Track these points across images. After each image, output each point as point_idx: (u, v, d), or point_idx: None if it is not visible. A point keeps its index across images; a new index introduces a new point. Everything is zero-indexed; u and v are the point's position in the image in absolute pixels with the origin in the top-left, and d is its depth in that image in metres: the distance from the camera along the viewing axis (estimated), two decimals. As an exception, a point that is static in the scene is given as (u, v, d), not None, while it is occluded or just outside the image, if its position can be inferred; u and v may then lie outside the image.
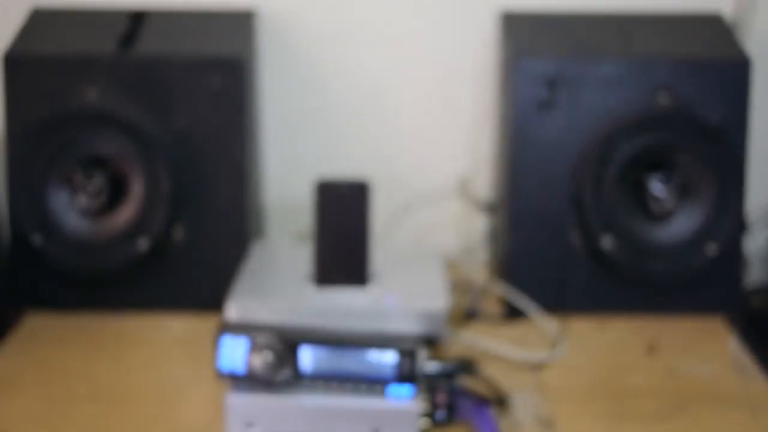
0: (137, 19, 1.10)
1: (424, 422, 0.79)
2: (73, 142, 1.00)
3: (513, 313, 1.06)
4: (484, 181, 1.25)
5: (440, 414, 0.80)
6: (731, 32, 1.11)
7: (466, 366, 0.85)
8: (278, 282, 0.91)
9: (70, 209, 1.02)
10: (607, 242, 1.02)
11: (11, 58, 1.03)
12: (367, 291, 0.89)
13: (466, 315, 1.04)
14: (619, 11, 1.14)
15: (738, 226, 1.03)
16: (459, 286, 1.12)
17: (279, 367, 0.77)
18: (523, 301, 1.04)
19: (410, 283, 0.91)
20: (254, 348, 0.78)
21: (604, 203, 1.02)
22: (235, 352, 0.78)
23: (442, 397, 0.80)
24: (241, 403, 0.79)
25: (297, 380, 0.79)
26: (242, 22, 1.13)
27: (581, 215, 1.04)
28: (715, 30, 1.11)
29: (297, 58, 1.19)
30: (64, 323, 1.03)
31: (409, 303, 0.86)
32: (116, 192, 1.02)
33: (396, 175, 1.24)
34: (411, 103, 1.22)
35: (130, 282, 1.05)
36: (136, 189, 1.01)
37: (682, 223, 1.03)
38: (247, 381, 0.79)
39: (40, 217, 1.01)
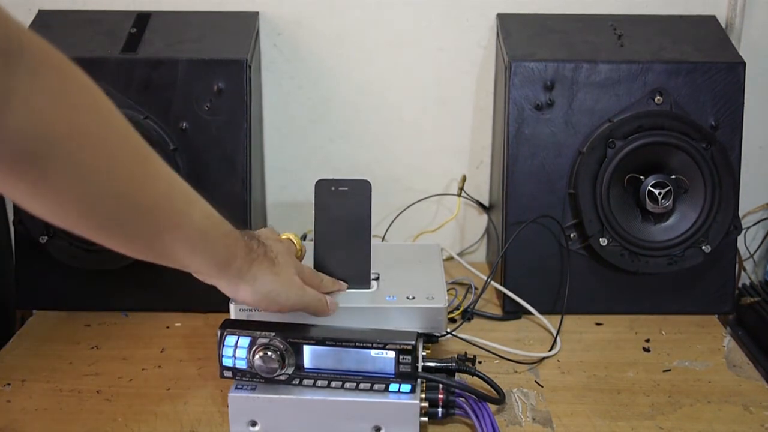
0: (141, 20, 1.11)
1: (424, 419, 0.80)
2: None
3: (511, 312, 1.07)
4: (483, 181, 1.26)
5: (439, 411, 0.81)
6: (725, 34, 1.12)
7: (465, 363, 0.86)
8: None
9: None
10: (603, 242, 1.03)
11: (16, 60, 1.04)
12: (368, 290, 0.90)
13: (465, 313, 1.05)
14: (615, 13, 1.15)
15: (732, 225, 1.04)
16: (458, 285, 1.13)
17: (281, 365, 0.78)
18: (520, 300, 1.05)
19: (410, 281, 0.91)
20: (256, 346, 0.79)
21: (600, 203, 1.03)
22: (237, 351, 0.79)
23: (441, 394, 0.81)
24: (243, 400, 0.79)
25: (298, 378, 0.80)
26: (245, 23, 1.14)
27: (577, 215, 1.05)
28: (710, 31, 1.12)
29: (298, 58, 1.20)
30: (69, 322, 1.04)
31: (409, 302, 0.87)
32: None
33: (396, 175, 1.25)
34: (411, 104, 1.23)
35: (135, 281, 1.05)
36: (140, 189, 1.02)
37: (676, 223, 1.04)
38: (250, 379, 0.80)
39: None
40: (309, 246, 0.91)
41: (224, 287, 0.75)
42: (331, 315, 0.84)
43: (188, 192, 0.67)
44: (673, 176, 1.02)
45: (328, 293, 0.85)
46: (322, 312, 0.82)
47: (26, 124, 0.51)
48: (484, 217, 1.28)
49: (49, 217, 0.58)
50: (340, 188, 0.90)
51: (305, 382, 0.80)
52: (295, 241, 0.86)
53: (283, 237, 0.86)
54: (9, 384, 0.90)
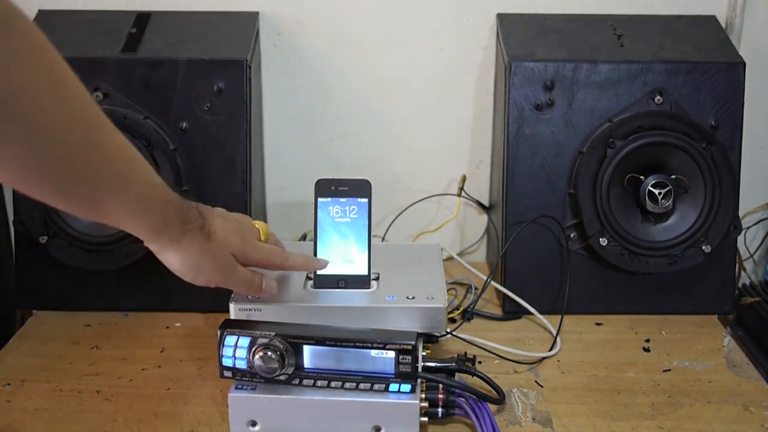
0: (141, 20, 1.11)
1: (424, 419, 0.80)
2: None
3: (511, 312, 1.07)
4: (483, 181, 1.26)
5: (439, 411, 0.81)
6: (725, 34, 1.12)
7: (465, 363, 0.86)
8: (280, 281, 0.92)
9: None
10: (603, 242, 1.03)
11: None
12: (368, 290, 0.90)
13: (465, 313, 1.05)
14: (615, 13, 1.15)
15: (732, 225, 1.04)
16: (458, 285, 1.13)
17: (281, 365, 0.78)
18: (520, 300, 1.05)
19: (410, 281, 0.91)
20: (256, 346, 0.79)
21: (600, 203, 1.03)
22: (237, 351, 0.79)
23: (441, 394, 0.81)
24: (243, 400, 0.80)
25: (298, 378, 0.80)
26: (245, 23, 1.14)
27: (577, 215, 1.05)
28: (710, 31, 1.12)
29: (298, 58, 1.20)
30: (69, 322, 1.04)
31: (409, 302, 0.87)
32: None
33: (396, 175, 1.25)
34: (410, 104, 1.23)
35: (135, 281, 1.06)
36: (140, 189, 1.02)
37: (676, 223, 1.04)
38: (250, 379, 0.80)
39: (45, 217, 1.02)
40: (309, 246, 0.91)
41: (156, 251, 0.76)
42: (266, 296, 0.85)
43: (135, 159, 0.69)
44: (673, 176, 1.02)
45: (306, 268, 0.90)
46: (254, 293, 0.85)
47: None
48: (484, 217, 1.28)
49: None
50: (340, 188, 0.90)
51: (305, 382, 0.80)
52: (261, 230, 0.87)
53: (255, 223, 0.87)
54: (9, 384, 0.90)
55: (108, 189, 0.66)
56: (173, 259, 0.76)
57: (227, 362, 0.80)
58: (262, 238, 0.86)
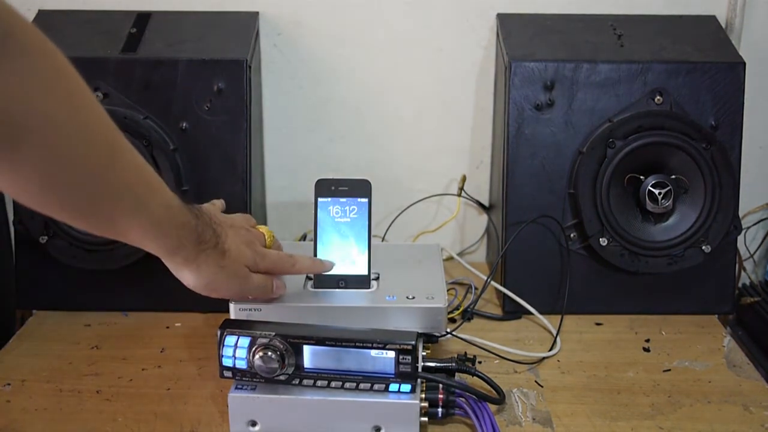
0: (141, 20, 1.11)
1: (424, 419, 0.80)
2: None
3: (511, 312, 1.07)
4: (483, 181, 1.26)
5: (439, 411, 0.81)
6: (725, 34, 1.12)
7: (465, 363, 0.86)
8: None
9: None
10: (603, 242, 1.03)
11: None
12: (368, 290, 0.90)
13: (465, 313, 1.05)
14: (615, 13, 1.15)
15: (732, 225, 1.04)
16: (458, 285, 1.13)
17: (281, 365, 0.78)
18: (520, 300, 1.05)
19: (410, 281, 0.91)
20: (256, 346, 0.78)
21: (600, 203, 1.03)
22: (237, 351, 0.79)
23: (441, 394, 0.81)
24: (243, 400, 0.79)
25: (298, 378, 0.80)
26: (245, 23, 1.13)
27: (577, 215, 1.05)
28: (710, 31, 1.12)
29: (298, 58, 1.20)
30: (69, 322, 1.04)
31: (409, 302, 0.87)
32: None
33: (396, 175, 1.25)
34: (411, 104, 1.22)
35: (135, 281, 1.05)
36: (140, 189, 1.02)
37: (676, 223, 1.04)
38: (250, 379, 0.80)
39: (45, 217, 1.01)
40: (309, 246, 0.91)
41: (171, 269, 0.78)
42: (277, 297, 0.86)
43: (151, 182, 0.70)
44: (673, 176, 1.02)
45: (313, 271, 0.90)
46: (266, 298, 0.85)
47: None
48: (484, 217, 1.28)
49: (10, 192, 0.60)
50: (340, 188, 0.90)
51: (305, 382, 0.80)
52: (266, 234, 0.87)
53: (259, 228, 0.88)
54: (9, 384, 0.90)
55: (124, 212, 0.67)
56: (189, 278, 0.77)
57: (227, 362, 0.80)
58: (267, 243, 0.87)
